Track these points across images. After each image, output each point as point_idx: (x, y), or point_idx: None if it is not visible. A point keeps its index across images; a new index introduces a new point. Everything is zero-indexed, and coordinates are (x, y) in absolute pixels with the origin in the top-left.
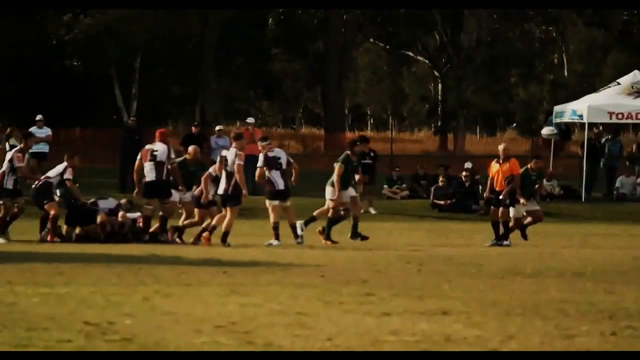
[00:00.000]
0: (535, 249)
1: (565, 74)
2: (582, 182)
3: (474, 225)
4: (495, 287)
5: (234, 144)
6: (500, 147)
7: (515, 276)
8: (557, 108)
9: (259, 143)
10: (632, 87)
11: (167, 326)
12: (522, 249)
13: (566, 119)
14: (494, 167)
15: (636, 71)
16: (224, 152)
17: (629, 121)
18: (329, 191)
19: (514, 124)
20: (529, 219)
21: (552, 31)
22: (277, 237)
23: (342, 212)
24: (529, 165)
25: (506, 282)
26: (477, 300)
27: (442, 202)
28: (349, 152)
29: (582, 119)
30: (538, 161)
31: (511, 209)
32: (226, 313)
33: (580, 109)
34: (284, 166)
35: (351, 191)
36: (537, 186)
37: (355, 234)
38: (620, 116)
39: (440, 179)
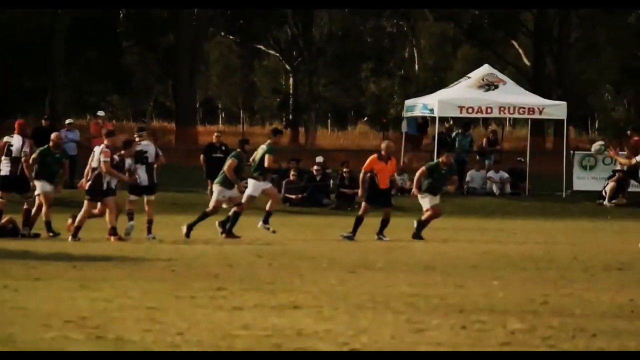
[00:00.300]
0: (386, 243)
1: (416, 68)
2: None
3: (325, 219)
4: (346, 281)
5: (105, 141)
6: (384, 145)
7: (366, 270)
8: (408, 102)
9: (135, 134)
10: (483, 80)
11: (16, 321)
12: (372, 243)
13: (417, 113)
14: (379, 164)
15: (487, 65)
16: (96, 148)
17: (479, 115)
18: (216, 189)
19: (365, 118)
20: (428, 214)
21: (402, 25)
22: (131, 219)
23: (215, 208)
24: (440, 159)
25: (357, 276)
26: (328, 295)
27: (293, 197)
28: (239, 150)
29: (433, 113)
30: (450, 155)
31: (426, 201)
32: (76, 308)
33: (431, 103)
34: (150, 160)
35: (263, 187)
36: (453, 180)
37: (223, 226)
38: (470, 110)
39: (292, 173)
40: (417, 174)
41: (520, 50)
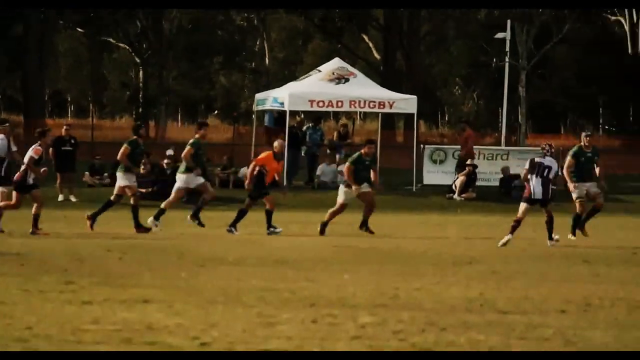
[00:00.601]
0: (237, 236)
1: (267, 61)
2: (284, 170)
3: (176, 213)
4: (197, 275)
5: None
6: (277, 144)
7: (217, 264)
8: (258, 96)
9: None
10: (334, 73)
11: None
12: (223, 237)
13: (268, 106)
14: (272, 162)
15: (337, 58)
16: None
17: (330, 109)
18: (121, 177)
19: (216, 112)
20: (337, 208)
21: (253, 19)
22: None
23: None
24: (362, 151)
25: (208, 269)
26: (179, 289)
27: (143, 190)
28: (136, 137)
29: (284, 107)
30: (371, 146)
31: (341, 194)
32: None
33: (282, 96)
34: (1, 154)
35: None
36: (374, 169)
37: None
38: (321, 104)
39: (142, 166)
40: (346, 172)
41: (371, 44)
